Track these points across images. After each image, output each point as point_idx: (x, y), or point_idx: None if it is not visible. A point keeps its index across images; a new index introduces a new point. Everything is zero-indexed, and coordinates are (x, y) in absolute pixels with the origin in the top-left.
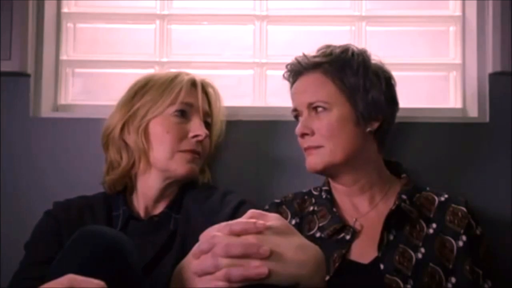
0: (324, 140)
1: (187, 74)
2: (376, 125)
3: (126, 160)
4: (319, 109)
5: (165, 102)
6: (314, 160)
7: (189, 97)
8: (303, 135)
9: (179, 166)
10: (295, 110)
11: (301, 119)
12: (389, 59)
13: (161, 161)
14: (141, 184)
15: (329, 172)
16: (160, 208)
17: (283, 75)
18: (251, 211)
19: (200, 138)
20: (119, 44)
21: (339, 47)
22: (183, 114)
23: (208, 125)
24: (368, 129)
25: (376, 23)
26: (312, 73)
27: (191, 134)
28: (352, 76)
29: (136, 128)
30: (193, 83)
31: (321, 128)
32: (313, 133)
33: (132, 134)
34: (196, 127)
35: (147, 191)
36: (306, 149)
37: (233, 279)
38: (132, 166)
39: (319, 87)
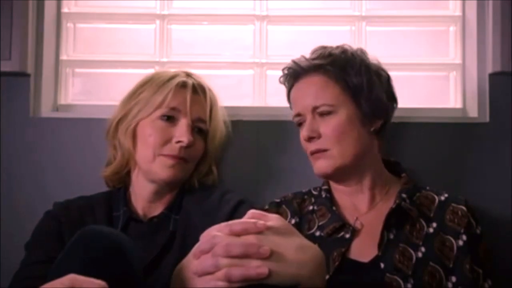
0: (331, 143)
1: (187, 75)
2: (379, 123)
3: (119, 158)
4: (325, 112)
5: (154, 104)
6: (324, 164)
7: (177, 102)
8: (310, 138)
9: (160, 170)
10: (298, 115)
11: (305, 123)
12: (389, 59)
13: (144, 163)
14: (135, 184)
15: (338, 175)
16: (158, 209)
17: (279, 79)
18: (252, 211)
19: (183, 144)
20: (119, 44)
21: (336, 47)
22: (169, 118)
23: (200, 130)
24: (373, 128)
25: (376, 23)
26: (313, 76)
27: (174, 140)
28: (355, 76)
29: (125, 128)
30: (182, 87)
31: (328, 131)
32: (319, 136)
33: (122, 134)
34: (181, 133)
35: (141, 191)
36: (314, 152)
37: (233, 279)
38: (126, 164)
39: (322, 90)
